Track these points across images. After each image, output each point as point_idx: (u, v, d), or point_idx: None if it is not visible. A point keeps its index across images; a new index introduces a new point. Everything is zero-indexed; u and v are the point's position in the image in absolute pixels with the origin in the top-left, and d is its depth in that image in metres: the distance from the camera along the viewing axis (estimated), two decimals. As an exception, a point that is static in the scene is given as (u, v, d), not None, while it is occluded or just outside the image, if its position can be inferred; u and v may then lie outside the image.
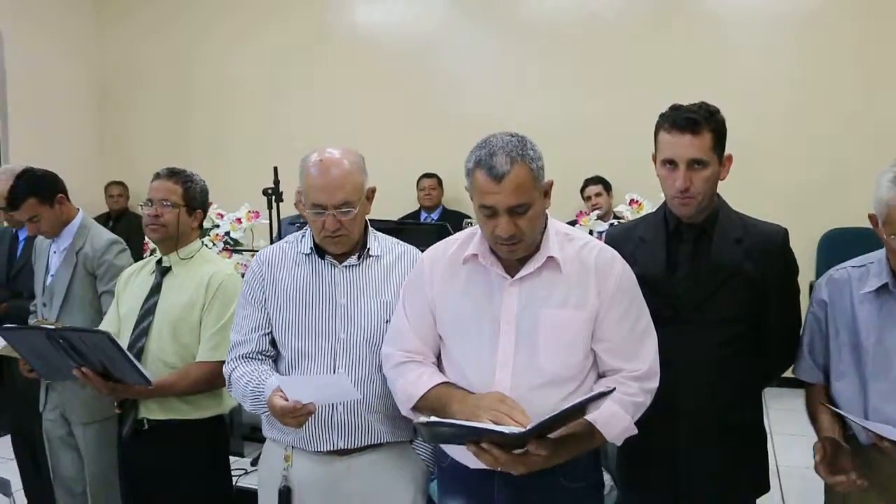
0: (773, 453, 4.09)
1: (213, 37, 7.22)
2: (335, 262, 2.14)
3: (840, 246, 5.21)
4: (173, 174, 2.68)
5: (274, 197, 4.20)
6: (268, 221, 4.22)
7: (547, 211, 1.88)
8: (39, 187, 3.10)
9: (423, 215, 6.27)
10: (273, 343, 2.17)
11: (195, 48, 7.31)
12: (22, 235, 3.64)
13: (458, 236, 2.00)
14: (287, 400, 1.91)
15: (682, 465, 2.10)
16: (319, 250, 2.15)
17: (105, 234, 3.20)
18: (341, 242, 2.09)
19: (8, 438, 3.81)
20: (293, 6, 6.93)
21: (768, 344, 2.14)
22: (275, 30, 6.95)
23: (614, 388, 1.75)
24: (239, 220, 4.08)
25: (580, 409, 1.67)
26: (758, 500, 2.23)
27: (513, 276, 1.86)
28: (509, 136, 1.80)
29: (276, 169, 4.21)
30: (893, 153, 2.05)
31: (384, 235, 2.25)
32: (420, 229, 4.19)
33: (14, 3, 6.76)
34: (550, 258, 1.85)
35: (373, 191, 2.16)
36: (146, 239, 4.27)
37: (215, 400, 2.62)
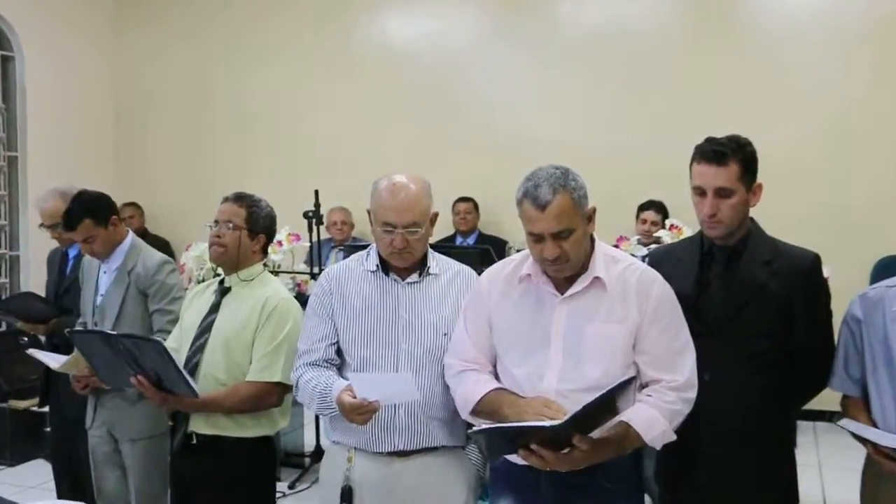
0: (822, 486, 4.15)
1: (234, 55, 7.03)
2: (398, 278, 2.32)
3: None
4: (240, 198, 2.76)
5: (315, 220, 4.23)
6: (308, 244, 4.23)
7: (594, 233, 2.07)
8: (95, 209, 3.17)
9: (459, 239, 6.17)
10: (338, 352, 2.34)
11: (213, 67, 7.12)
12: (72, 253, 3.67)
13: (514, 258, 2.21)
14: (355, 398, 2.07)
15: (709, 469, 2.25)
16: (384, 267, 2.32)
17: (156, 255, 3.27)
18: (406, 258, 2.27)
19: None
20: (320, 24, 6.75)
21: (796, 361, 2.28)
22: (300, 49, 6.81)
23: (635, 376, 1.96)
24: (280, 243, 4.08)
25: (611, 398, 1.82)
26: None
27: (562, 294, 2.05)
28: (553, 168, 1.99)
29: (317, 192, 4.24)
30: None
31: (442, 256, 2.42)
32: (464, 253, 4.22)
33: (31, 20, 6.76)
34: (597, 278, 2.04)
35: (436, 215, 2.34)
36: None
37: (261, 421, 2.68)
